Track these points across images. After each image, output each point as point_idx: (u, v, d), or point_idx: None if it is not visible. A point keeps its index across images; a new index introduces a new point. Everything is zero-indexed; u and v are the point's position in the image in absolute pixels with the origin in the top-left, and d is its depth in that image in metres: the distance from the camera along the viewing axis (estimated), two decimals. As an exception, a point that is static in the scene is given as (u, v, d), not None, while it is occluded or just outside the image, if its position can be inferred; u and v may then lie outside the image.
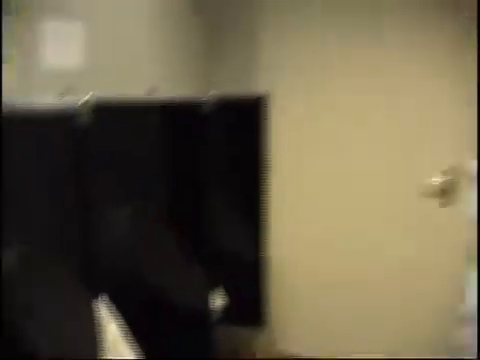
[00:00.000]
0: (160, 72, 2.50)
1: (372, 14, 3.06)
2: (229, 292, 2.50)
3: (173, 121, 2.31)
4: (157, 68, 2.50)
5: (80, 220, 1.52)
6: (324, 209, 3.25)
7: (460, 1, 2.75)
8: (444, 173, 3.02)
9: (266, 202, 3.07)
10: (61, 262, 1.44)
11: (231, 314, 2.52)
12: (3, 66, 1.51)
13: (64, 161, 1.48)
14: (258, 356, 3.33)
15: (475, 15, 2.66)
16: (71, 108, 1.52)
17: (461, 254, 2.78)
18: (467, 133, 2.84)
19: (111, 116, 1.79)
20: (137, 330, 1.69)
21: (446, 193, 3.03)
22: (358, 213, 3.20)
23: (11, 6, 1.53)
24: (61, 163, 1.47)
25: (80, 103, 1.54)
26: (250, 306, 3.00)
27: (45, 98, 1.47)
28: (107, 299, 1.63)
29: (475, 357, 0.68)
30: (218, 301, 2.48)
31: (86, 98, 1.55)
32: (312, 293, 3.33)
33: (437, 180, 3.04)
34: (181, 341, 2.08)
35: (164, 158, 2.24)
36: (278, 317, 3.34)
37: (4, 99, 1.28)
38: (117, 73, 2.10)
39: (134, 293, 1.78)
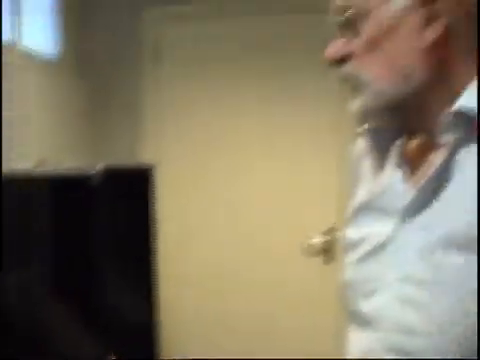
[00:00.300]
0: (48, 145, 2.55)
1: (256, 87, 3.29)
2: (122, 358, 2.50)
3: (61, 193, 2.35)
4: (45, 141, 2.54)
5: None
6: (211, 274, 3.34)
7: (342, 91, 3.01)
8: (325, 233, 3.22)
9: (155, 268, 3.12)
10: None
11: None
12: None
13: None
14: None
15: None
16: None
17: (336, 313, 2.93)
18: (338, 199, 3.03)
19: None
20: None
21: (327, 252, 3.22)
22: (243, 279, 3.30)
23: None
24: None
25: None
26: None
27: None
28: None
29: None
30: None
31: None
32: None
33: (318, 240, 3.23)
34: None
35: (52, 229, 2.27)
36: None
37: None
38: (5, 146, 2.14)
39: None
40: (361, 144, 1.09)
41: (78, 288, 2.27)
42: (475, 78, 0.90)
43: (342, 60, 0.94)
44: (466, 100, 0.87)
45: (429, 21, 0.88)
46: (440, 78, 0.90)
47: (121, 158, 3.09)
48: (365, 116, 0.97)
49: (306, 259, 3.24)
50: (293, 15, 3.16)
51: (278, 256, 3.28)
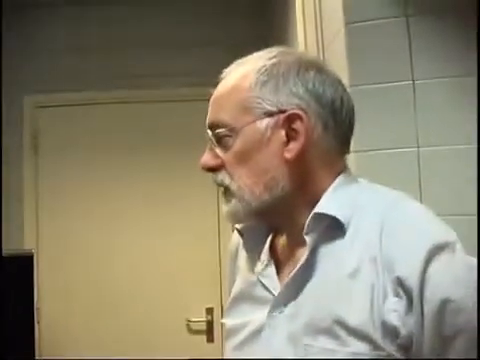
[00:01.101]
0: None
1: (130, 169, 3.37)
2: None
3: None
4: None
5: None
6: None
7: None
8: (208, 311, 3.28)
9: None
10: None
11: None
12: None
13: None
14: None
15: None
16: None
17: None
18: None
19: None
20: None
21: (210, 331, 3.27)
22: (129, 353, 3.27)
23: None
24: None
25: None
26: None
27: None
28: None
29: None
30: None
31: None
32: None
33: (201, 319, 3.28)
34: None
35: None
36: None
37: None
38: None
39: None
40: (237, 237, 1.19)
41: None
42: (332, 185, 1.03)
43: (214, 169, 1.04)
44: (323, 205, 1.00)
45: (291, 138, 1.00)
46: (302, 186, 1.02)
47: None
48: (235, 219, 1.07)
49: (190, 336, 3.29)
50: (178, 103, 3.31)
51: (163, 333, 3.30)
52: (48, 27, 3.47)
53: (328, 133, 1.03)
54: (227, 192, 1.04)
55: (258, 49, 1.08)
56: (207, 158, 1.05)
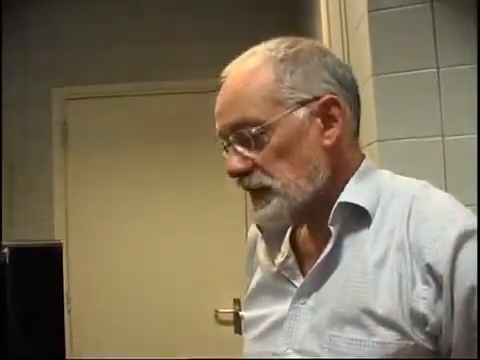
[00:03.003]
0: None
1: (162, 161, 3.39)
2: None
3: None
4: None
5: None
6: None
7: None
8: (236, 302, 3.29)
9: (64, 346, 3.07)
10: None
11: None
12: None
13: None
14: None
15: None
16: None
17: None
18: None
19: None
20: None
21: (237, 322, 3.28)
22: (158, 348, 3.30)
23: None
24: None
25: None
26: None
27: None
28: None
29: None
30: None
31: None
32: None
33: (229, 309, 3.29)
34: None
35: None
36: None
37: None
38: None
39: None
40: (254, 233, 1.18)
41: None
42: (355, 174, 1.01)
43: (246, 172, 0.99)
44: (348, 193, 0.98)
45: (327, 124, 0.98)
46: (336, 172, 0.99)
47: (31, 238, 3.08)
48: (278, 219, 1.00)
49: (218, 327, 3.31)
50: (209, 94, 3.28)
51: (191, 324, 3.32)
52: (77, 19, 3.50)
53: (353, 115, 1.02)
54: (265, 192, 0.99)
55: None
56: (235, 162, 0.99)
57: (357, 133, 1.05)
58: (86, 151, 3.44)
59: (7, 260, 2.57)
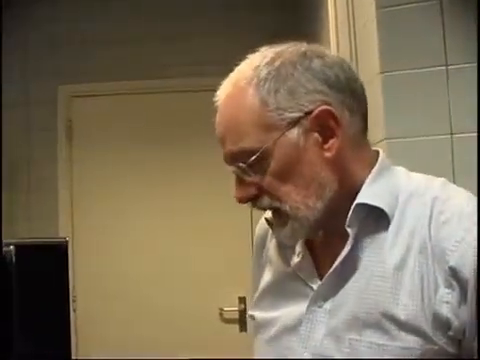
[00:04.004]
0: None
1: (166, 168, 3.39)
2: None
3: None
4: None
5: None
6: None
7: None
8: (241, 301, 3.28)
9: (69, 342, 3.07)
10: None
11: None
12: None
13: None
14: None
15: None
16: None
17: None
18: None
19: None
20: None
21: (242, 320, 3.28)
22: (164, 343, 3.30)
23: None
24: None
25: None
26: None
27: None
28: None
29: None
30: None
31: None
32: None
33: (234, 308, 3.29)
34: None
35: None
36: None
37: None
38: None
39: None
40: (263, 228, 1.15)
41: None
42: (370, 175, 0.98)
43: (254, 198, 0.98)
44: (364, 195, 0.96)
45: (325, 135, 0.95)
46: (343, 179, 0.97)
47: (36, 235, 3.08)
48: (296, 239, 1.01)
49: (223, 325, 3.30)
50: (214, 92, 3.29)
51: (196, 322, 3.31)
52: (82, 18, 3.50)
53: (355, 116, 0.98)
54: (279, 214, 0.98)
55: (292, 39, 1.00)
56: (241, 192, 0.99)
57: (365, 129, 1.01)
58: (92, 148, 3.44)
59: (13, 257, 2.56)
